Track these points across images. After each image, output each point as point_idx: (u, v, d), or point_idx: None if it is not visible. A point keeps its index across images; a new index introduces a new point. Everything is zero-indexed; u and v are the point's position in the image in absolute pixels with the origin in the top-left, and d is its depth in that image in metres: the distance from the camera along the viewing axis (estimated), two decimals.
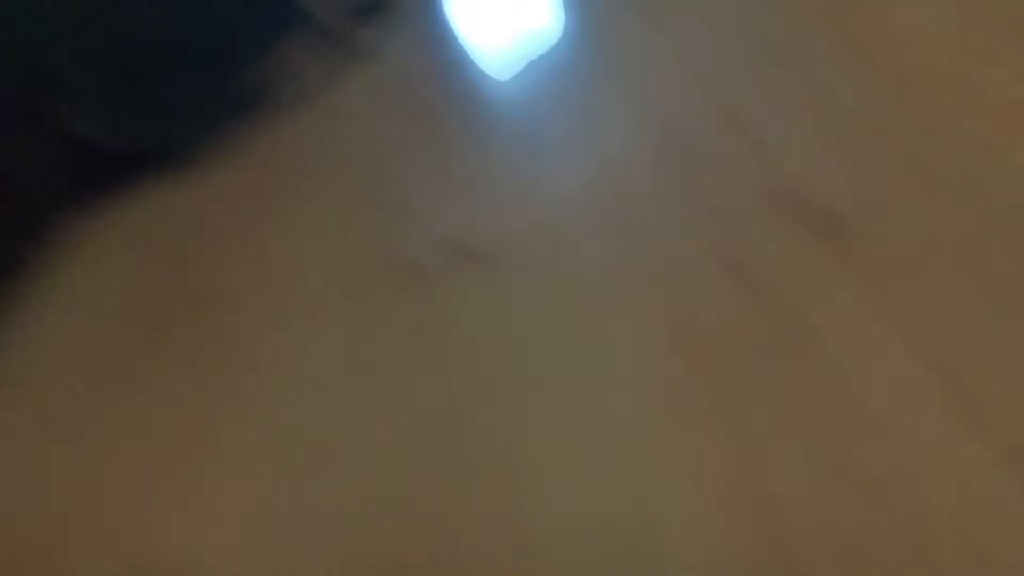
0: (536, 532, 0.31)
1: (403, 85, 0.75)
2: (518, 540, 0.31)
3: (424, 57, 0.79)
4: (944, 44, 0.55)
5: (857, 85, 0.54)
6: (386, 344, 0.44)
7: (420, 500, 0.34)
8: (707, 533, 0.30)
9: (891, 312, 0.37)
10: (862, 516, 0.29)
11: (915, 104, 0.51)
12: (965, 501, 0.29)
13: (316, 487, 0.36)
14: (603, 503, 0.31)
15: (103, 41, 0.66)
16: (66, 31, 0.64)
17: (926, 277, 0.39)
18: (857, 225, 0.43)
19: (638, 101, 0.59)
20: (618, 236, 0.46)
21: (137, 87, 0.69)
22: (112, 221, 0.70)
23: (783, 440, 0.32)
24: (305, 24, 1.02)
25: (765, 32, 0.64)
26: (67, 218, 0.67)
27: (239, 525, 0.36)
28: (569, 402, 0.37)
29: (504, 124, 0.62)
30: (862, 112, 0.51)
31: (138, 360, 0.49)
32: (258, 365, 0.45)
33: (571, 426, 0.36)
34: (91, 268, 0.64)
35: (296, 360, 0.45)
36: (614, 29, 0.72)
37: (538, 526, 0.32)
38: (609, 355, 0.39)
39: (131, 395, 0.46)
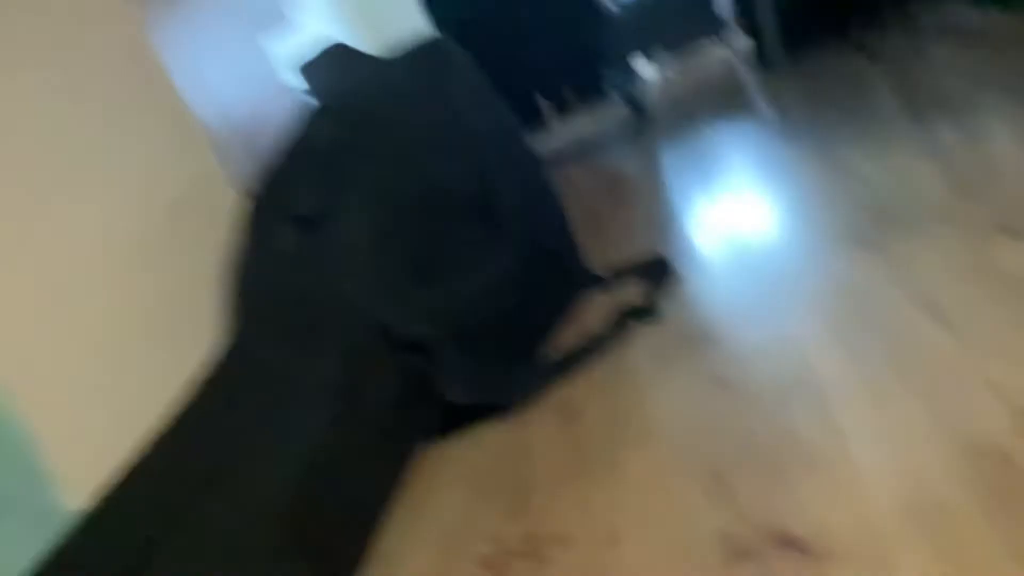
0: None
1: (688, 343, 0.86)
2: None
3: (701, 317, 0.90)
4: None
5: None
6: None
7: None
8: None
9: None
10: None
11: None
12: None
13: None
14: None
15: (464, 322, 0.84)
16: (431, 317, 0.83)
17: None
18: None
19: (942, 415, 0.63)
20: (938, 554, 0.50)
21: (484, 354, 0.86)
22: (451, 456, 0.86)
23: None
24: (597, 287, 1.19)
25: None
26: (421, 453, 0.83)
27: None
28: None
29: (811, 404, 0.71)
30: None
31: None
32: None
33: None
34: (432, 497, 0.78)
35: None
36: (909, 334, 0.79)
37: None
38: None
39: None
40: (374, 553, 0.78)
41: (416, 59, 1.03)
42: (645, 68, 5.10)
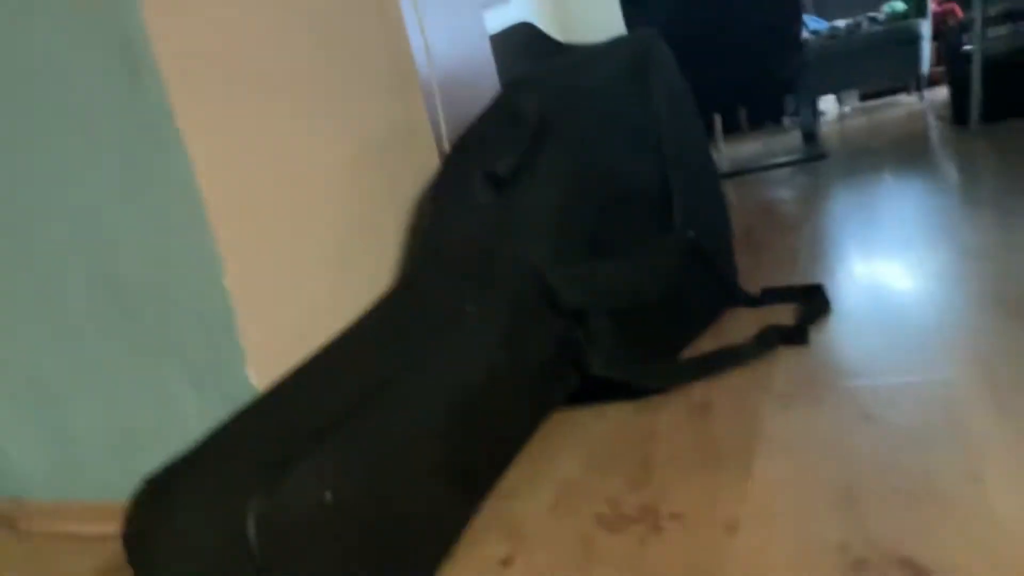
0: None
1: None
2: None
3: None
4: None
5: None
6: None
7: None
8: None
9: None
10: None
11: None
12: None
13: None
14: None
15: (621, 303, 0.88)
16: (593, 290, 0.88)
17: None
18: None
19: None
20: None
21: (631, 337, 0.90)
22: (578, 423, 0.91)
23: None
24: (746, 304, 1.21)
25: None
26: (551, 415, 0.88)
27: None
28: None
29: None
30: None
31: (592, 548, 0.65)
32: None
33: None
34: (556, 455, 0.83)
35: None
36: None
37: None
38: None
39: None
40: (495, 490, 0.84)
41: (625, 46, 1.08)
42: (828, 103, 4.95)
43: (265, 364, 0.84)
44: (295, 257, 0.92)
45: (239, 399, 0.84)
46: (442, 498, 0.70)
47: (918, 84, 4.26)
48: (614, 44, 1.10)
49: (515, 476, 0.86)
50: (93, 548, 0.95)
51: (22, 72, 0.85)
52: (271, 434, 0.63)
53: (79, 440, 0.98)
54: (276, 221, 0.90)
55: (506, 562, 0.70)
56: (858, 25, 3.98)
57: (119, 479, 0.96)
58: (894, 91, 5.01)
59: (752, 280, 1.39)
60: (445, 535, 0.71)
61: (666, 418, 0.92)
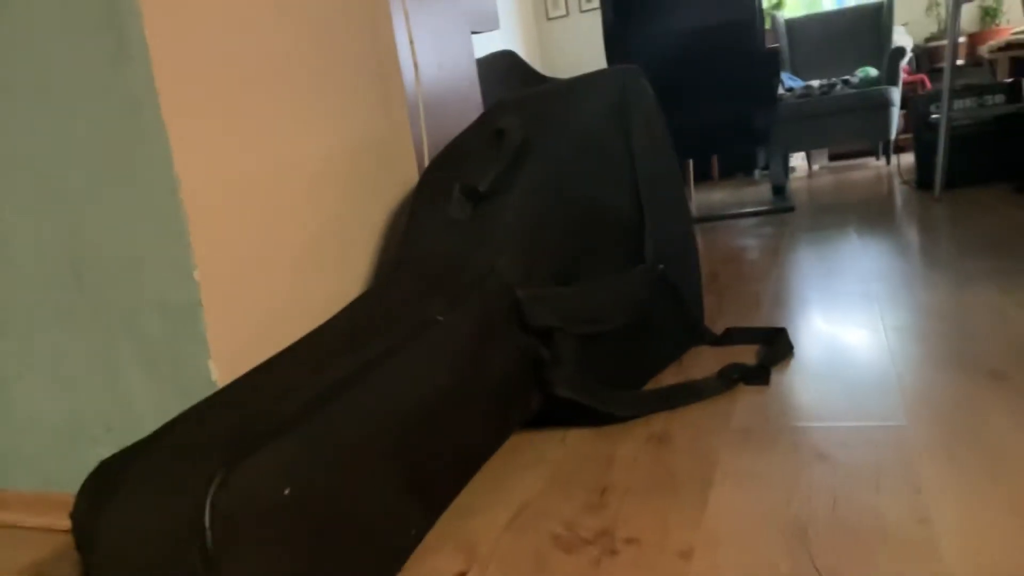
0: None
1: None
2: None
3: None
4: None
5: None
6: None
7: None
8: None
9: None
10: None
11: None
12: None
13: None
14: None
15: (587, 327, 0.89)
16: (562, 311, 0.89)
17: None
18: None
19: None
20: None
21: (595, 362, 0.91)
22: (536, 444, 0.91)
23: None
24: (709, 342, 1.22)
25: None
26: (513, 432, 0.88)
27: None
28: None
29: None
30: None
31: (546, 567, 0.65)
32: None
33: None
34: (513, 475, 0.83)
35: None
36: None
37: None
38: None
39: None
40: (451, 507, 0.83)
41: (607, 79, 1.10)
42: (799, 159, 5.08)
43: (228, 359, 0.83)
44: (267, 256, 0.92)
45: (198, 393, 0.82)
46: (397, 506, 0.69)
47: (886, 148, 4.39)
48: (597, 76, 1.12)
49: (472, 494, 0.86)
50: (34, 539, 0.92)
51: (4, 44, 0.85)
52: (231, 427, 0.62)
53: (24, 427, 0.95)
54: (251, 218, 0.90)
55: None
56: (832, 86, 4.10)
57: (64, 470, 0.93)
58: (862, 153, 5.16)
59: (716, 322, 1.41)
60: (398, 545, 0.70)
61: (626, 446, 0.92)
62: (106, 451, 0.90)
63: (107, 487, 0.59)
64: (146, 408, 0.87)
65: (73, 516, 0.60)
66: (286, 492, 0.56)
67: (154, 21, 0.79)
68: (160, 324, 0.84)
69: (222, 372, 0.82)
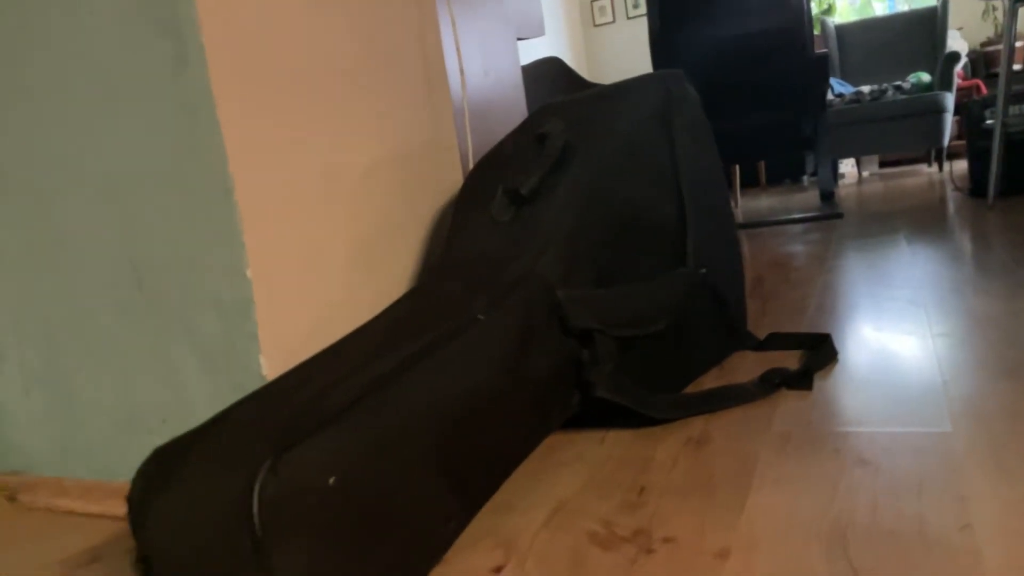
0: None
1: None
2: None
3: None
4: None
5: None
6: None
7: None
8: None
9: None
10: None
11: None
12: None
13: None
14: None
15: (628, 330, 0.90)
16: (602, 313, 0.89)
17: None
18: None
19: None
20: None
21: (635, 365, 0.92)
22: (575, 444, 0.92)
23: None
24: (752, 347, 1.22)
25: None
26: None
27: None
28: None
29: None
30: None
31: (583, 564, 0.66)
32: None
33: None
34: (551, 473, 0.84)
35: None
36: None
37: None
38: None
39: None
40: (490, 503, 0.85)
41: (651, 83, 1.11)
42: (848, 166, 5.00)
43: (278, 354, 0.86)
44: (317, 254, 0.95)
45: (249, 387, 0.85)
46: (437, 499, 0.71)
47: (938, 155, 4.30)
48: (641, 80, 1.13)
49: (511, 491, 0.87)
50: (90, 526, 0.96)
51: (65, 44, 0.89)
52: (279, 417, 0.64)
53: (86, 417, 0.99)
54: (302, 219, 0.93)
55: (496, 570, 0.71)
56: (883, 92, 4.03)
57: (122, 459, 0.97)
58: (914, 160, 5.05)
59: (759, 327, 1.40)
60: (438, 537, 0.72)
61: (664, 448, 0.93)
62: (161, 441, 0.93)
63: (161, 473, 0.61)
64: (200, 400, 0.90)
65: (128, 499, 0.63)
66: (331, 481, 0.58)
67: (211, 28, 0.82)
68: (215, 320, 0.87)
69: (272, 367, 0.85)
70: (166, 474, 0.60)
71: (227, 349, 0.87)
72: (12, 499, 1.08)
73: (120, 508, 0.97)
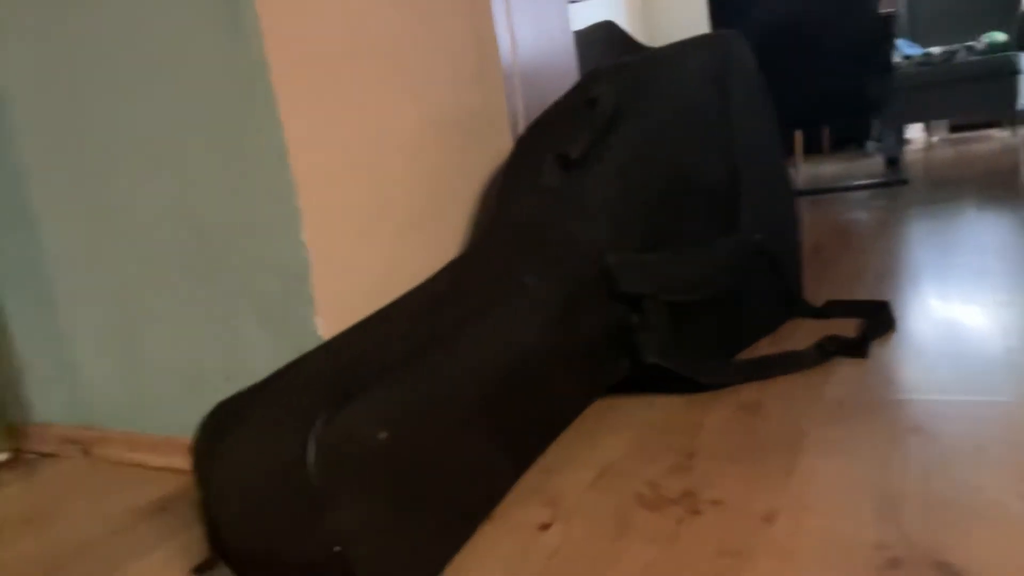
0: None
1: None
2: None
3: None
4: None
5: None
6: None
7: None
8: None
9: None
10: None
11: None
12: None
13: None
14: None
15: (678, 295, 0.89)
16: (652, 277, 0.89)
17: None
18: None
19: None
20: None
21: (686, 329, 0.91)
22: (624, 409, 0.92)
23: None
24: (809, 315, 1.20)
25: None
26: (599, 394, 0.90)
27: None
28: None
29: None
30: None
31: (629, 523, 0.67)
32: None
33: None
34: (599, 437, 0.85)
35: None
36: None
37: None
38: None
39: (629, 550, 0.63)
40: (537, 464, 0.86)
41: (705, 44, 1.09)
42: (916, 131, 4.83)
43: (333, 316, 0.88)
44: (369, 219, 0.96)
45: (305, 347, 0.88)
46: (486, 457, 0.73)
47: (1012, 119, 4.12)
48: (695, 41, 1.11)
49: (558, 453, 0.88)
50: (157, 478, 1.01)
51: (127, 17, 0.91)
52: (333, 374, 0.66)
53: (154, 375, 1.04)
54: (355, 183, 0.94)
55: (544, 527, 0.72)
56: (953, 53, 3.86)
57: (187, 415, 1.01)
58: (987, 124, 4.84)
59: (817, 294, 1.38)
60: (487, 494, 0.73)
61: (715, 414, 0.92)
62: (224, 397, 0.97)
63: (222, 426, 0.64)
64: (260, 359, 0.93)
65: (192, 451, 0.66)
66: (382, 436, 0.60)
67: None
68: (273, 283, 0.90)
69: (328, 328, 0.88)
70: (228, 427, 0.63)
71: (285, 310, 0.90)
72: (86, 453, 1.14)
73: (186, 462, 1.02)
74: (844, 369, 1.00)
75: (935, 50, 3.93)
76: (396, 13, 1.05)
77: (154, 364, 1.03)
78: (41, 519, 0.94)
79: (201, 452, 0.63)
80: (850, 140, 4.94)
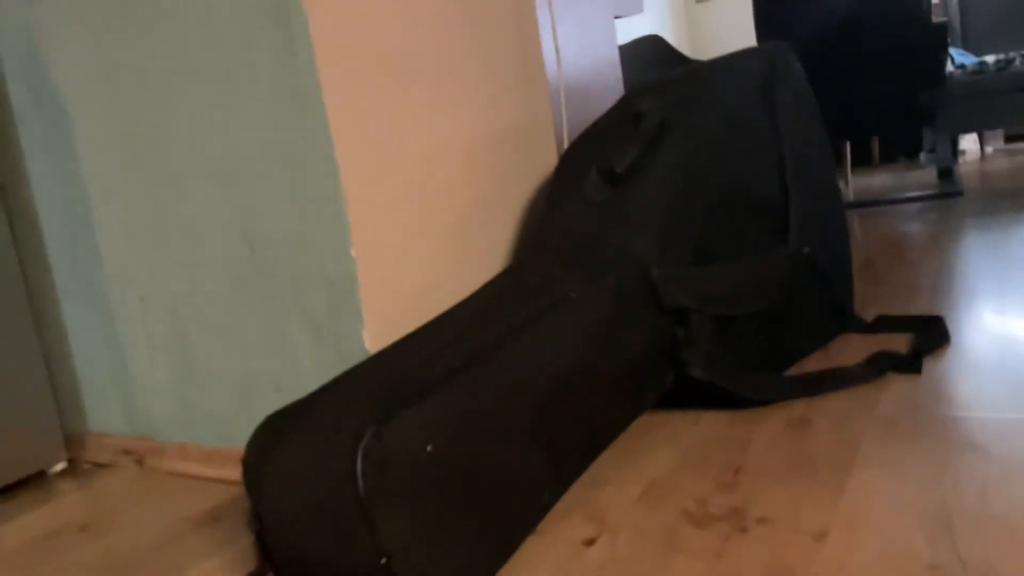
0: None
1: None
2: None
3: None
4: None
5: None
6: None
7: None
8: None
9: None
10: None
11: None
12: None
13: None
14: None
15: (725, 309, 0.89)
16: (698, 291, 0.89)
17: None
18: None
19: None
20: None
21: (733, 345, 0.90)
22: (670, 424, 0.92)
23: None
24: (859, 330, 1.18)
25: None
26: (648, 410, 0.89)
27: None
28: None
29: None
30: None
31: (676, 540, 0.68)
32: None
33: None
34: (646, 452, 0.85)
35: None
36: None
37: None
38: None
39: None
40: (582, 479, 0.86)
41: (753, 57, 1.08)
42: (970, 142, 4.70)
43: (380, 329, 0.90)
44: (417, 234, 0.98)
45: (354, 359, 0.89)
46: (531, 470, 0.73)
47: None
48: (742, 54, 1.10)
49: (604, 467, 0.88)
50: (209, 489, 1.04)
51: (188, 39, 0.95)
52: (382, 388, 0.67)
53: (206, 386, 1.06)
54: (403, 200, 0.96)
55: (589, 542, 0.72)
56: (1009, 62, 3.76)
57: (239, 426, 1.04)
58: None
59: (868, 309, 1.35)
60: (532, 508, 0.73)
61: (762, 430, 0.91)
62: (275, 408, 0.99)
63: (273, 438, 0.65)
64: (310, 370, 0.95)
65: (244, 462, 0.67)
66: (429, 449, 0.61)
67: (318, 19, 0.86)
68: (322, 295, 0.92)
69: (374, 341, 0.89)
70: (278, 439, 0.65)
71: (333, 323, 0.91)
72: (140, 463, 1.17)
73: (237, 473, 1.04)
74: (896, 385, 0.98)
75: (990, 59, 3.83)
76: (444, 29, 1.07)
77: (207, 375, 1.06)
78: (97, 528, 0.97)
79: (252, 464, 0.65)
80: (901, 151, 4.84)
